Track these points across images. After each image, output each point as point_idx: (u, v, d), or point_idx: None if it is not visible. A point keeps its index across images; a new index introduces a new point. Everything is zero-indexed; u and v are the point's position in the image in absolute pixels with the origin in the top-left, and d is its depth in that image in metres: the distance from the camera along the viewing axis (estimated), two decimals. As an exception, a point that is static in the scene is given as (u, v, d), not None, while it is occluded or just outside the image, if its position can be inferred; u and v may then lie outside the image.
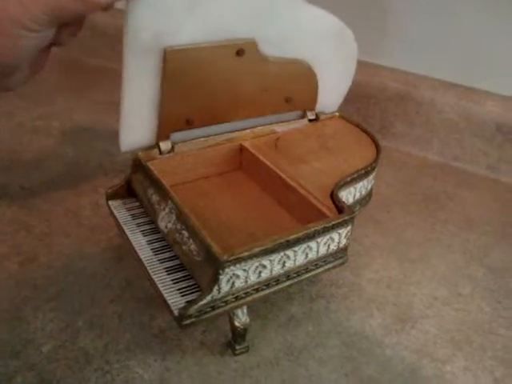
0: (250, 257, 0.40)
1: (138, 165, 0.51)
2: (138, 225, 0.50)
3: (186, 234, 0.43)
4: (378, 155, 0.56)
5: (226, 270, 0.39)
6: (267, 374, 0.46)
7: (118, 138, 0.50)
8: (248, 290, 0.42)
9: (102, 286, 0.55)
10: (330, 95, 0.62)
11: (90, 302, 0.53)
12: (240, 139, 0.57)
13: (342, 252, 0.47)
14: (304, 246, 0.43)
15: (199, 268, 0.42)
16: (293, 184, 0.50)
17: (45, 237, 0.62)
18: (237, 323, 0.45)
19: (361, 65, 0.86)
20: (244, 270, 0.40)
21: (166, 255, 0.46)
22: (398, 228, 0.68)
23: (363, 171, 0.52)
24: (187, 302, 0.41)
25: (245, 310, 0.45)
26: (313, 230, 0.42)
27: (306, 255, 0.44)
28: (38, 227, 0.64)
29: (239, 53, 0.51)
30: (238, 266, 0.39)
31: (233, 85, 0.53)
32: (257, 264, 0.40)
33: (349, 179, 0.50)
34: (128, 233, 0.49)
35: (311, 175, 0.51)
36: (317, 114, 0.62)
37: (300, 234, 0.42)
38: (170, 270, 0.44)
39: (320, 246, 0.44)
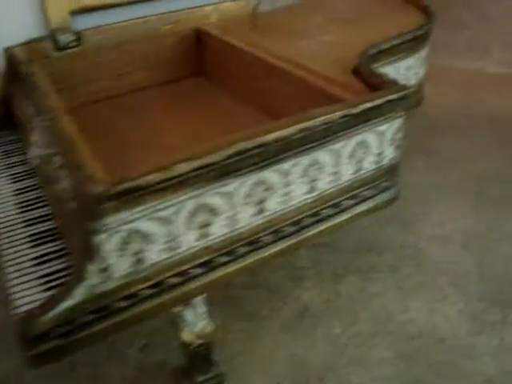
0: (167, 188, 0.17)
1: (15, 70, 0.29)
2: (10, 165, 0.28)
3: (58, 160, 0.21)
4: (431, 18, 0.32)
5: (109, 218, 0.16)
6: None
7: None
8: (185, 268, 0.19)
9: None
10: None
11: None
12: (193, 21, 0.34)
13: (387, 174, 0.23)
14: (306, 158, 0.19)
15: (72, 223, 0.19)
16: (282, 65, 0.26)
17: None
18: (187, 336, 0.22)
19: None
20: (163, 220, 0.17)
21: (38, 213, 0.24)
22: (461, 160, 0.44)
23: (410, 36, 0.29)
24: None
25: (201, 307, 0.22)
26: (322, 119, 0.19)
27: (311, 185, 0.20)
28: None
29: None
30: (138, 207, 0.16)
31: None
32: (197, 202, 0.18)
33: (385, 46, 0.27)
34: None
35: (316, 51, 0.28)
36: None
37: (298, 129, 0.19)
38: (37, 239, 0.22)
39: (342, 161, 0.21)
